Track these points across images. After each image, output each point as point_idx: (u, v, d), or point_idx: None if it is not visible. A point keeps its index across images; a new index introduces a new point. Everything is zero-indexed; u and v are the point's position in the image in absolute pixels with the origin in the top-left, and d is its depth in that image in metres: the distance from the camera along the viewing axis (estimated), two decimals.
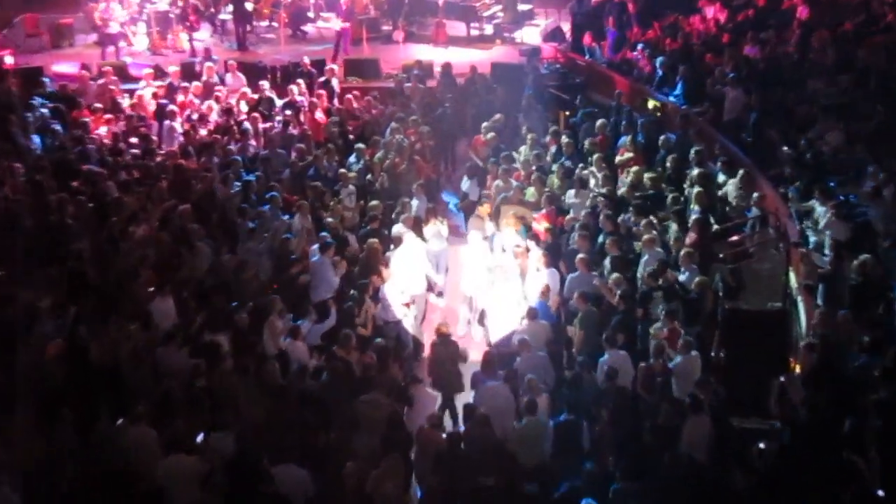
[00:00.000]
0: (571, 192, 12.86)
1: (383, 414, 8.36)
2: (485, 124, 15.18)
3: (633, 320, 10.24)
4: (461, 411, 8.92)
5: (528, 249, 11.65)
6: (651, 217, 11.83)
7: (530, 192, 13.19)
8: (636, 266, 11.24)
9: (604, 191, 12.81)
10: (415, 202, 13.03)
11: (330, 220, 12.14)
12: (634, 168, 13.27)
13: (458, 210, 13.99)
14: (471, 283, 11.60)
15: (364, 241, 11.77)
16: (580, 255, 11.01)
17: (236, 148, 14.46)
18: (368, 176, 13.80)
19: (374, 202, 12.82)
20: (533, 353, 9.57)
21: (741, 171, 12.48)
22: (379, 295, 10.77)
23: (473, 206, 13.11)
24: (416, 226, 12.37)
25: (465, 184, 14.23)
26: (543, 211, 12.54)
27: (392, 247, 11.77)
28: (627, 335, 9.91)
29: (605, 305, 10.47)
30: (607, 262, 11.16)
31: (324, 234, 11.49)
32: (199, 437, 8.29)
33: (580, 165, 13.67)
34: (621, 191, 13.05)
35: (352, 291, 10.83)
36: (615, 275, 10.65)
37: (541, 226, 12.23)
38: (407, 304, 10.76)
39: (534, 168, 13.77)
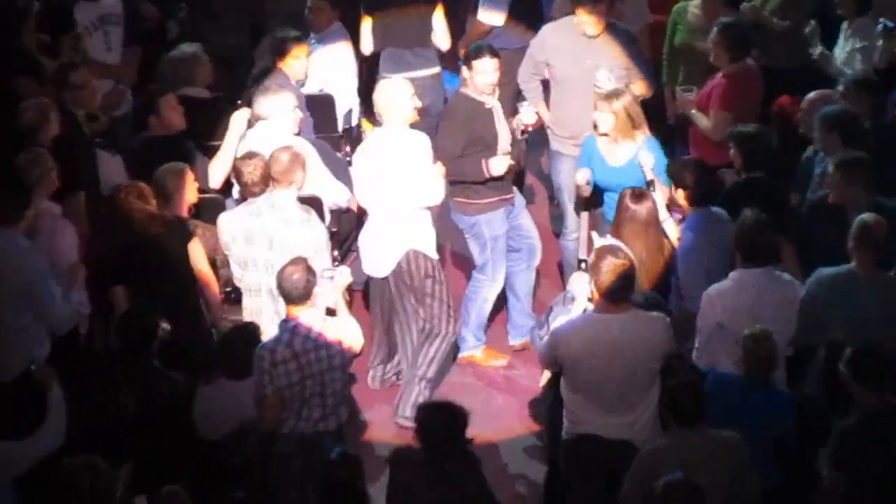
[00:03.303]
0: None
1: None
2: None
3: None
4: None
5: (670, 202, 9.54)
6: None
7: (690, 19, 11.77)
8: None
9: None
10: (319, 47, 11.61)
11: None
12: None
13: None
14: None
15: (154, 165, 9.87)
16: (864, 218, 9.60)
17: None
18: None
19: (188, 49, 11.11)
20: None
21: None
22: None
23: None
24: (326, 116, 11.15)
25: None
26: (721, 76, 10.87)
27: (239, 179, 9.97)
28: None
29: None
30: None
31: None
32: None
33: None
34: None
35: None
36: None
37: (706, 122, 10.87)
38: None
39: None
